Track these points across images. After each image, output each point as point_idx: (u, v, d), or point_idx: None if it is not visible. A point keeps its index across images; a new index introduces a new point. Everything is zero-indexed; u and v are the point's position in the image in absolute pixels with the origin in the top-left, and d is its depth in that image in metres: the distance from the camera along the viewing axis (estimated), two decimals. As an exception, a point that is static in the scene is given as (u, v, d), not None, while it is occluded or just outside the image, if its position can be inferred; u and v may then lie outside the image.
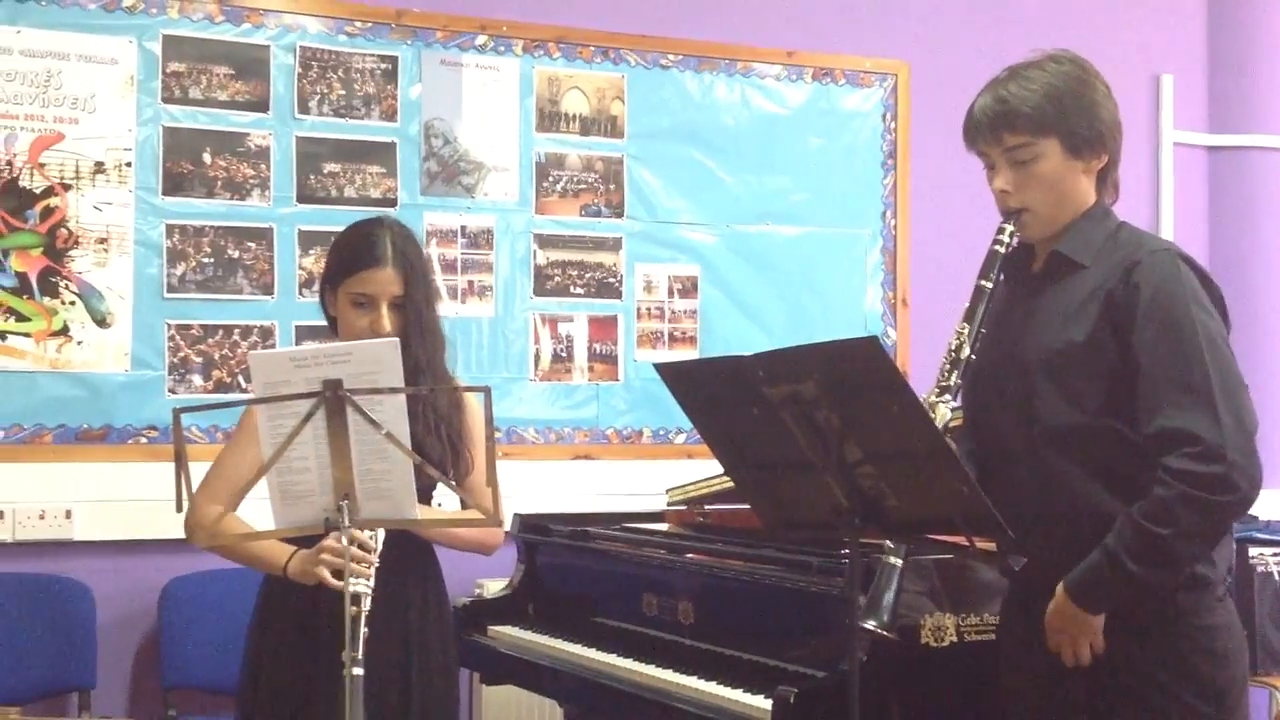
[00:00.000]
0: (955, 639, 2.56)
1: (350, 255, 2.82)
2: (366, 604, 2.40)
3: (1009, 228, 2.39)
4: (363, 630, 2.35)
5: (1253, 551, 3.85)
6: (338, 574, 2.49)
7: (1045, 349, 2.33)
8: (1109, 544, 2.21)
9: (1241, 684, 2.31)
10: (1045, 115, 2.33)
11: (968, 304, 2.38)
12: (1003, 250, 2.39)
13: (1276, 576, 3.82)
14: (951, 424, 2.36)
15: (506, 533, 3.48)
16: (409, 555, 2.79)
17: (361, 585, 2.42)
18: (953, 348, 2.37)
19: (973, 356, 2.36)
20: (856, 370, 2.10)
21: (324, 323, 2.89)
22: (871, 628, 2.23)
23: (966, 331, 2.36)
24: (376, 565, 2.49)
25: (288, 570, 2.67)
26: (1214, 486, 2.14)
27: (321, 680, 2.65)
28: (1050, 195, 2.36)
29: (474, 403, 2.84)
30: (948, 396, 2.34)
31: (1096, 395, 2.28)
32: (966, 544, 2.22)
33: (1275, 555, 3.83)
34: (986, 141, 2.38)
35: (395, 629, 2.77)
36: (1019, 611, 2.44)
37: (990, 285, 2.37)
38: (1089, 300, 2.30)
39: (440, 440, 2.77)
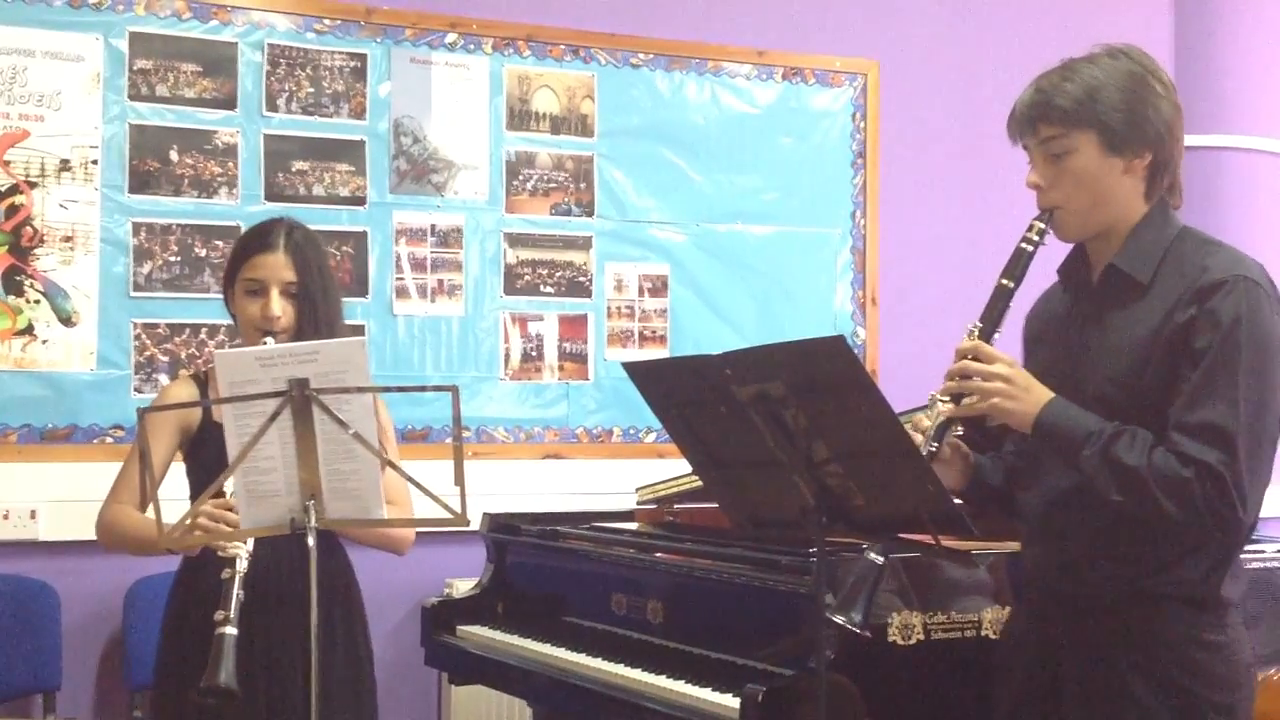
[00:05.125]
0: (923, 637, 2.57)
1: (243, 245, 2.85)
2: (241, 566, 2.43)
3: (1040, 225, 2.27)
4: (237, 592, 2.38)
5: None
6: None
7: (1104, 380, 2.22)
8: (1117, 433, 2.13)
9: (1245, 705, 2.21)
10: (1081, 107, 2.22)
11: (988, 301, 2.27)
12: (1031, 249, 2.27)
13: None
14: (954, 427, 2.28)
15: (476, 531, 3.48)
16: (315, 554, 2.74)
17: (237, 548, 2.47)
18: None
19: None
20: (823, 369, 2.10)
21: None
22: (841, 622, 2.17)
23: (980, 330, 2.25)
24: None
25: (161, 542, 2.44)
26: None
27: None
28: (1085, 193, 2.24)
29: (382, 399, 2.73)
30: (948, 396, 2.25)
31: (1155, 428, 2.17)
32: (933, 542, 2.22)
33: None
34: (1024, 133, 2.30)
35: (296, 625, 2.63)
36: (1034, 620, 2.35)
37: (1013, 285, 2.27)
38: (1154, 338, 2.19)
39: None
